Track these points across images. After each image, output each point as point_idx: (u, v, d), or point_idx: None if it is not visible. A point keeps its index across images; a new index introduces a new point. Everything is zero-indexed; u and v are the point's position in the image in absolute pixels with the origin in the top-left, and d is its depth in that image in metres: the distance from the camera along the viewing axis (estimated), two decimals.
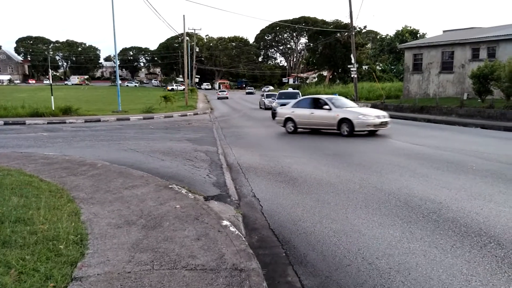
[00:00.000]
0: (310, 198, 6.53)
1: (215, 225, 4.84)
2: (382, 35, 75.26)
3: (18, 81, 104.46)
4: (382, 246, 4.49)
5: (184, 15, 48.16)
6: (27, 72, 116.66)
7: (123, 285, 3.37)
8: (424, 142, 12.65)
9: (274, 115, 20.14)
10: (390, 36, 64.01)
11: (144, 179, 7.39)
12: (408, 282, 3.65)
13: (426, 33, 58.99)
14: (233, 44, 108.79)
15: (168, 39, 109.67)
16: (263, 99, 35.47)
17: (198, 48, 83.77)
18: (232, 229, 4.75)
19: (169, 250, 4.10)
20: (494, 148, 11.38)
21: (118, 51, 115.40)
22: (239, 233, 4.67)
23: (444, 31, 36.86)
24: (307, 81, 69.72)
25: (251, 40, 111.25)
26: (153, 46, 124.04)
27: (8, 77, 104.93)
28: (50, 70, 39.29)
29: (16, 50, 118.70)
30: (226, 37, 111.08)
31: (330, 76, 59.19)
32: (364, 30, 60.73)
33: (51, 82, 27.94)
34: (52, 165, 8.83)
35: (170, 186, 6.88)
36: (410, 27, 60.64)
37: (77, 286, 3.33)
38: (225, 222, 4.95)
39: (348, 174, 8.17)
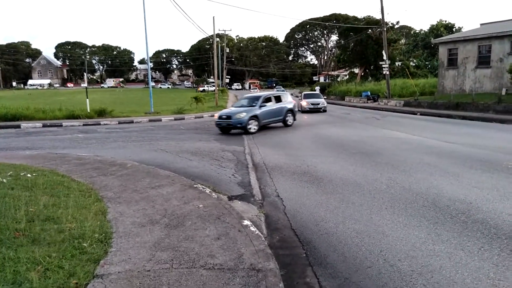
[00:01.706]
0: (334, 198, 6.44)
1: (236, 225, 4.86)
2: (416, 30, 73.19)
3: (57, 85, 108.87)
4: (405, 248, 4.37)
5: (213, 17, 48.74)
6: (65, 76, 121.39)
7: (142, 283, 3.45)
8: (457, 140, 12.20)
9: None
10: (425, 31, 62.14)
11: (171, 179, 7.53)
12: (430, 286, 3.54)
13: (462, 27, 56.84)
14: (263, 44, 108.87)
15: (199, 41, 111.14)
16: (300, 102, 30.25)
17: (228, 48, 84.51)
18: (253, 228, 4.76)
19: (189, 249, 4.16)
20: None
21: (151, 54, 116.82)
22: (259, 233, 4.67)
23: (481, 24, 35.34)
24: (338, 79, 68.80)
25: (281, 39, 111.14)
26: (185, 48, 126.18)
27: (48, 81, 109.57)
28: (86, 73, 40.69)
29: (56, 55, 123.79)
30: (256, 37, 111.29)
31: (362, 73, 58.12)
32: (397, 26, 59.10)
33: (86, 86, 28.90)
34: (84, 165, 9.15)
35: (195, 185, 6.98)
36: (446, 21, 58.61)
37: (98, 283, 3.44)
38: (246, 222, 4.97)
39: (376, 174, 8.00)
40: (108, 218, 5.20)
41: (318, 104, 29.03)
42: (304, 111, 28.54)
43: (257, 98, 17.74)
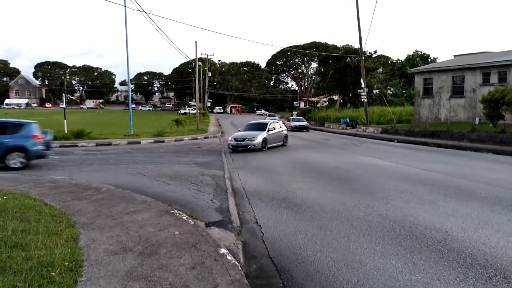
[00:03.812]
0: (313, 226, 6.41)
1: (212, 253, 4.76)
2: (393, 60, 75.57)
3: (35, 105, 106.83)
4: (382, 278, 4.35)
5: (196, 41, 49.05)
6: (44, 96, 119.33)
7: None
8: (433, 167, 12.45)
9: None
10: (401, 60, 64.20)
11: (147, 204, 7.37)
12: None
13: (437, 58, 58.97)
14: (245, 68, 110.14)
15: (182, 64, 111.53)
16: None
17: (210, 72, 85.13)
18: (229, 257, 4.66)
19: (162, 279, 4.03)
20: (506, 174, 11.13)
21: (132, 76, 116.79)
22: (236, 262, 4.58)
23: (455, 56, 36.80)
24: (318, 105, 69.87)
25: (263, 64, 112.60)
26: (167, 71, 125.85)
27: (25, 101, 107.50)
28: (65, 94, 40.18)
29: (35, 75, 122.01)
30: (238, 62, 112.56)
31: (341, 100, 59.23)
32: (374, 55, 60.86)
33: (65, 106, 28.50)
34: (58, 188, 8.90)
35: (172, 211, 6.85)
36: (421, 51, 60.75)
37: None
38: (222, 250, 4.87)
39: (354, 201, 8.04)
40: (80, 245, 5.02)
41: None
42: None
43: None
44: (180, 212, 6.86)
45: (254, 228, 6.52)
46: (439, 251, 5.08)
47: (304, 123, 39.33)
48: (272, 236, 6.01)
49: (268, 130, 20.01)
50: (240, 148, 18.84)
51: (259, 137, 19.02)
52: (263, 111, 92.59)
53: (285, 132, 22.02)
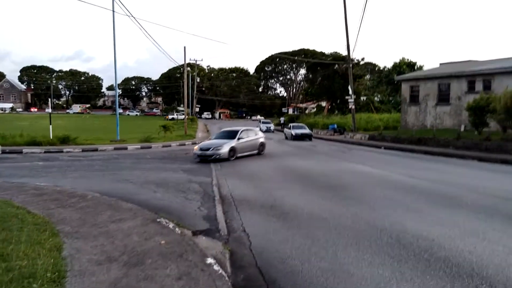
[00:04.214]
0: (301, 234, 6.38)
1: (199, 263, 4.70)
2: (380, 67, 76.44)
3: (20, 109, 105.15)
4: None
5: (185, 47, 49.01)
6: (29, 101, 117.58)
7: None
8: (420, 175, 12.56)
9: None
10: (388, 68, 64.98)
11: (133, 212, 7.27)
12: None
13: (423, 65, 59.68)
14: (234, 74, 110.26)
15: (170, 69, 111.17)
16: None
17: (199, 78, 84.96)
18: (216, 267, 4.61)
19: None
20: (490, 182, 11.29)
21: (120, 81, 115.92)
22: (223, 272, 4.52)
23: (441, 64, 37.39)
24: (306, 111, 70.25)
25: (252, 70, 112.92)
26: (155, 76, 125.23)
27: (10, 105, 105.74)
28: (51, 99, 39.69)
29: (20, 79, 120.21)
30: (227, 67, 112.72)
31: (329, 107, 59.70)
32: (362, 62, 61.62)
33: (50, 111, 28.09)
34: (42, 196, 8.72)
35: (158, 220, 6.76)
36: (408, 59, 61.46)
37: None
38: (209, 260, 4.81)
39: (341, 209, 8.05)
40: (64, 255, 4.91)
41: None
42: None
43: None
44: (166, 220, 6.77)
45: (241, 236, 6.46)
46: (426, 260, 5.10)
47: (307, 131, 34.41)
48: (260, 245, 5.96)
49: (239, 139, 18.71)
50: (204, 158, 17.57)
51: (226, 146, 17.80)
52: (258, 116, 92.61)
53: (262, 140, 20.60)
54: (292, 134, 33.51)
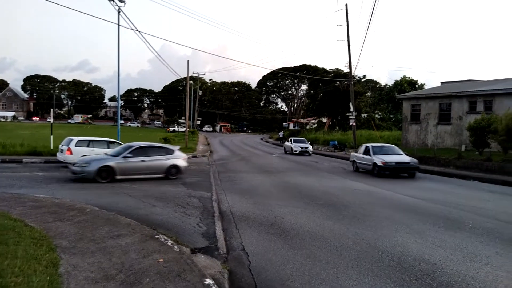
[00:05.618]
0: (301, 254, 6.30)
1: (197, 284, 4.61)
2: (382, 85, 76.93)
3: (22, 118, 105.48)
4: None
5: (188, 61, 49.25)
6: (32, 109, 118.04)
7: None
8: (421, 194, 12.48)
9: None
10: (389, 86, 65.34)
11: (131, 228, 7.18)
12: None
13: (424, 84, 60.16)
14: (236, 88, 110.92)
15: (172, 82, 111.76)
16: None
17: (201, 91, 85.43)
18: None
19: None
20: (492, 204, 11.21)
21: (122, 92, 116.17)
22: None
23: (442, 83, 37.57)
24: (307, 127, 70.35)
25: (254, 85, 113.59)
26: (157, 88, 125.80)
27: (12, 113, 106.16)
28: (53, 108, 39.71)
29: (23, 88, 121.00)
30: (229, 81, 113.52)
31: (330, 123, 59.82)
32: (363, 79, 62.08)
33: (52, 121, 28.00)
34: (40, 208, 8.64)
35: (157, 236, 6.67)
36: (409, 77, 61.96)
37: None
38: (208, 281, 4.72)
39: (342, 228, 7.96)
40: (60, 272, 4.83)
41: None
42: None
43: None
44: (165, 237, 6.68)
45: (241, 255, 6.37)
46: (428, 284, 5.01)
47: (307, 145, 34.62)
48: (260, 265, 5.87)
49: (125, 157, 14.82)
50: (74, 174, 14.44)
51: (95, 164, 14.30)
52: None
53: (177, 162, 16.45)
54: (292, 148, 34.22)
